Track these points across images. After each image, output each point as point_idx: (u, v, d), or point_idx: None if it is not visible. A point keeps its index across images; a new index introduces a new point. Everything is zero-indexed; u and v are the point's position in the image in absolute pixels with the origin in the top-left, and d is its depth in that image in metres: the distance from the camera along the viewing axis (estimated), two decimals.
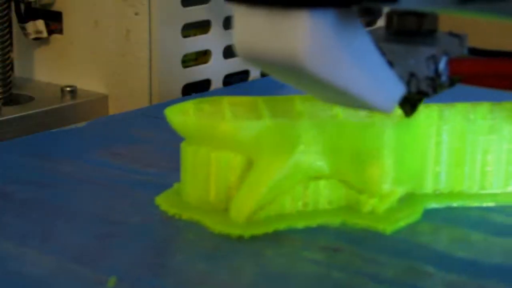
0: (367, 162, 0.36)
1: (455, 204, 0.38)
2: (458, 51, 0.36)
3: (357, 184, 0.36)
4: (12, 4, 0.59)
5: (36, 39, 0.61)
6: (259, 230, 0.35)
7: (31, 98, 0.57)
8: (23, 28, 0.60)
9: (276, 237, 0.35)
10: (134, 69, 0.57)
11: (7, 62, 0.57)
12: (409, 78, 0.34)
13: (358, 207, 0.36)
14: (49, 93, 0.58)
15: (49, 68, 0.62)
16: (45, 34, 0.60)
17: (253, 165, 0.36)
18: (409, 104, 0.36)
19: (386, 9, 0.36)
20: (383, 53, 0.34)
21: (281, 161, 0.35)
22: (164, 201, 0.38)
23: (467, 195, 0.38)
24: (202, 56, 0.61)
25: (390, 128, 0.36)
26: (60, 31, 0.60)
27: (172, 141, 0.39)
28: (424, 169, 0.38)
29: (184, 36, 0.58)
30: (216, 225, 0.35)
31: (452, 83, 0.36)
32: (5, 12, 0.56)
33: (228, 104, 0.38)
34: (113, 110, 0.58)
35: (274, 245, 0.34)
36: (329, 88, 0.30)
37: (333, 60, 0.29)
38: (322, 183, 0.36)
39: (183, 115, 0.37)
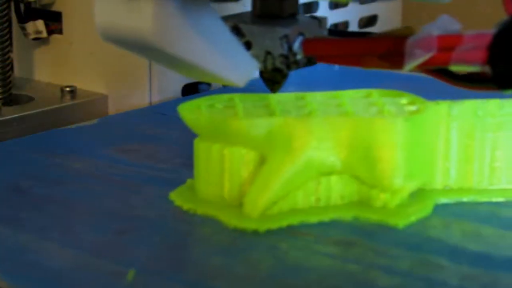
0: (378, 158, 0.36)
1: (465, 199, 0.38)
2: (317, 32, 0.40)
3: (369, 179, 0.37)
4: (12, 4, 0.59)
5: (36, 39, 0.60)
6: (273, 225, 0.35)
7: (31, 98, 0.57)
8: (23, 28, 0.60)
9: (290, 232, 0.35)
10: (134, 69, 0.57)
11: (7, 62, 0.56)
12: (266, 56, 0.38)
13: (370, 202, 0.37)
14: (49, 93, 0.58)
15: (49, 68, 0.61)
16: (45, 34, 0.60)
17: (266, 161, 0.36)
18: (272, 82, 0.41)
19: None
20: (243, 34, 0.38)
21: (293, 157, 0.36)
22: (178, 197, 0.38)
23: (477, 190, 0.39)
24: None
25: (401, 123, 0.36)
26: (60, 31, 0.60)
27: (183, 137, 0.39)
28: (434, 165, 0.39)
29: None
30: (231, 220, 0.36)
31: (309, 61, 0.39)
32: (5, 12, 0.55)
33: (240, 101, 0.39)
34: (113, 110, 0.58)
35: (289, 239, 0.35)
36: (184, 63, 0.33)
37: (181, 38, 0.32)
38: (334, 178, 0.37)
39: (196, 112, 0.38)
